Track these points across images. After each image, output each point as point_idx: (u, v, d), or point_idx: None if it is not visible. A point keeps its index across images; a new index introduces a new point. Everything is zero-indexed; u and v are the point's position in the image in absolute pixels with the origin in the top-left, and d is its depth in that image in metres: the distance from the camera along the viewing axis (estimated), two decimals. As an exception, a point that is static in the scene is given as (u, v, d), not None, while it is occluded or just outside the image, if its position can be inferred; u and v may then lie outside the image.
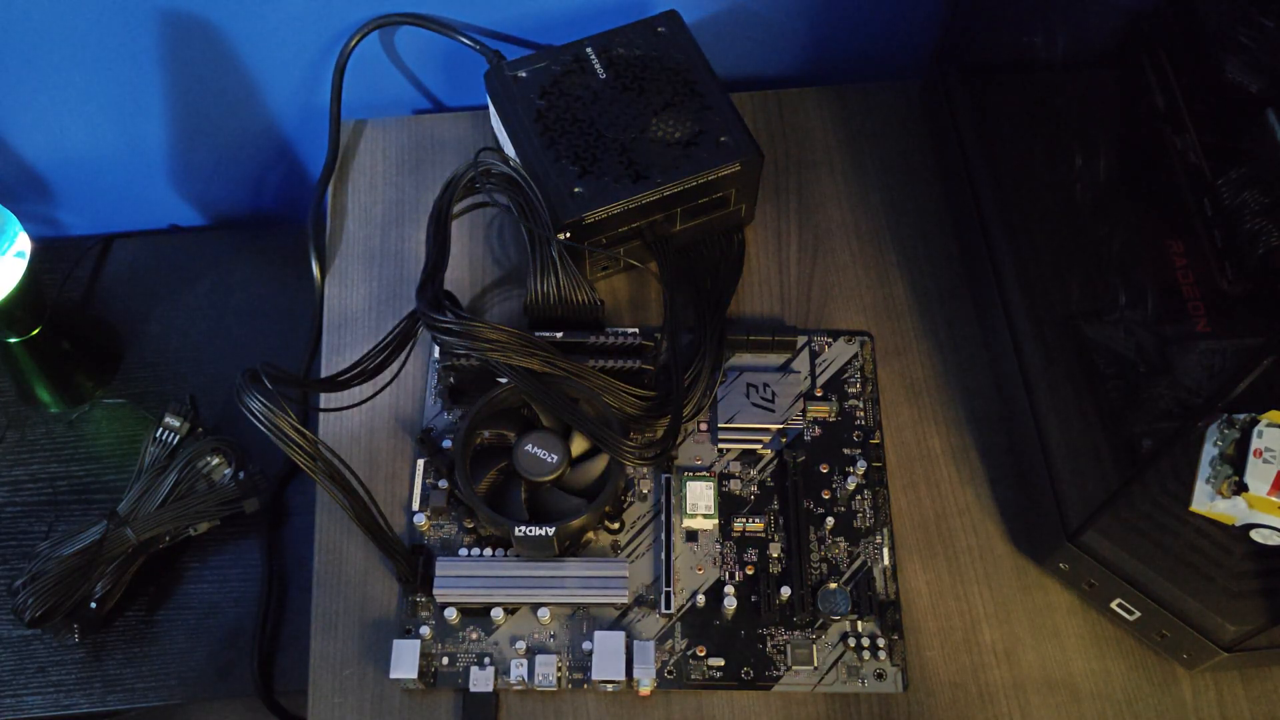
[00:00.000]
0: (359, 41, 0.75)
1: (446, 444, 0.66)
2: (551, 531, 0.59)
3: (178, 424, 0.72)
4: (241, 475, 0.71)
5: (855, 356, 0.69)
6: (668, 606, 0.61)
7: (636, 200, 0.65)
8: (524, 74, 0.69)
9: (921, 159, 0.77)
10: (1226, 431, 0.53)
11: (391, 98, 0.82)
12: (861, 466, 0.65)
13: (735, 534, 0.63)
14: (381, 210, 0.75)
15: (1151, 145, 0.54)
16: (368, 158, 0.78)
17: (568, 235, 0.64)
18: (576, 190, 0.65)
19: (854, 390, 0.68)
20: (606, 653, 0.59)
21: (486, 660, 0.60)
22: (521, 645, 0.60)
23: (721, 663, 0.60)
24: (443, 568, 0.60)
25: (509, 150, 0.69)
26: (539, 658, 0.59)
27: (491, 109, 0.72)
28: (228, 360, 0.80)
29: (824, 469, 0.65)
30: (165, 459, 0.71)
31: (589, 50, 0.70)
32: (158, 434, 0.72)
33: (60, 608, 0.66)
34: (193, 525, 0.71)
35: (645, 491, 0.65)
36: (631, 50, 0.70)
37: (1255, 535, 0.53)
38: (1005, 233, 0.66)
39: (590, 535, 0.63)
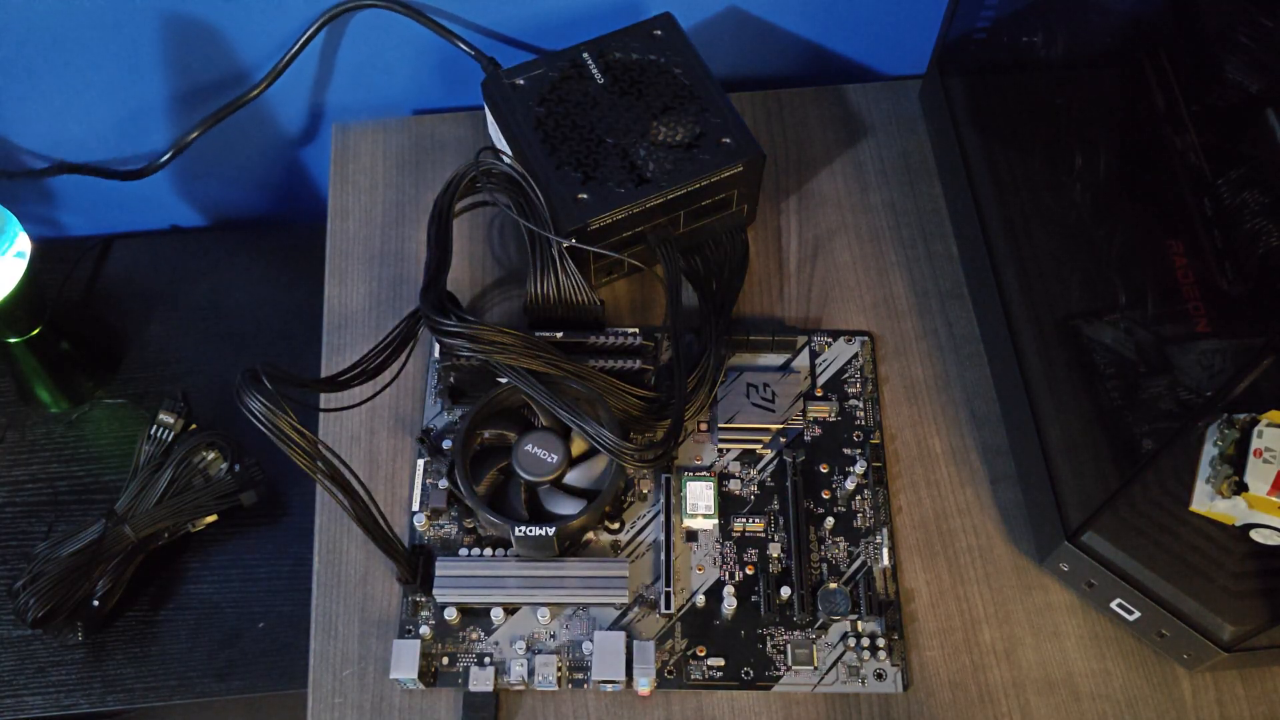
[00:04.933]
0: (328, 22, 0.74)
1: (446, 444, 0.66)
2: (551, 531, 0.59)
3: (171, 420, 0.72)
4: (237, 468, 0.71)
5: (855, 356, 0.69)
6: (668, 606, 0.61)
7: (641, 205, 0.65)
8: (521, 81, 0.69)
9: (921, 159, 0.77)
10: (1226, 431, 0.53)
11: (391, 99, 0.82)
12: (861, 466, 0.65)
13: (735, 534, 0.63)
14: (381, 210, 0.75)
15: (1151, 145, 0.54)
16: (368, 158, 0.78)
17: (573, 241, 0.64)
18: (581, 197, 0.65)
19: (854, 390, 0.68)
20: (606, 653, 0.59)
21: (486, 660, 0.60)
22: (521, 645, 0.60)
23: (721, 663, 0.60)
24: (443, 568, 0.60)
25: (506, 162, 0.69)
26: (539, 658, 0.59)
27: (489, 117, 0.71)
28: (228, 360, 0.80)
29: (824, 469, 0.65)
30: (160, 455, 0.71)
31: (585, 55, 0.70)
32: (152, 431, 0.72)
33: (62, 608, 0.66)
34: (191, 520, 0.71)
35: (645, 491, 0.65)
36: (628, 54, 0.70)
37: (1255, 535, 0.53)
38: (1005, 233, 0.66)
39: (590, 535, 0.63)
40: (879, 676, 0.60)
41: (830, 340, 0.70)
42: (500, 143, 0.71)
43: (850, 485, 0.65)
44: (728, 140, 0.67)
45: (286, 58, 0.76)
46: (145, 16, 0.72)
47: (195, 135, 0.79)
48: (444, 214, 0.64)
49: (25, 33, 0.72)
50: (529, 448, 0.62)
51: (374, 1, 0.74)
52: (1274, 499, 0.51)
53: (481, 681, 0.59)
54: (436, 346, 0.68)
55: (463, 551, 0.62)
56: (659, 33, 0.71)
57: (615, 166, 0.66)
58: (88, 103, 0.77)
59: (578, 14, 0.77)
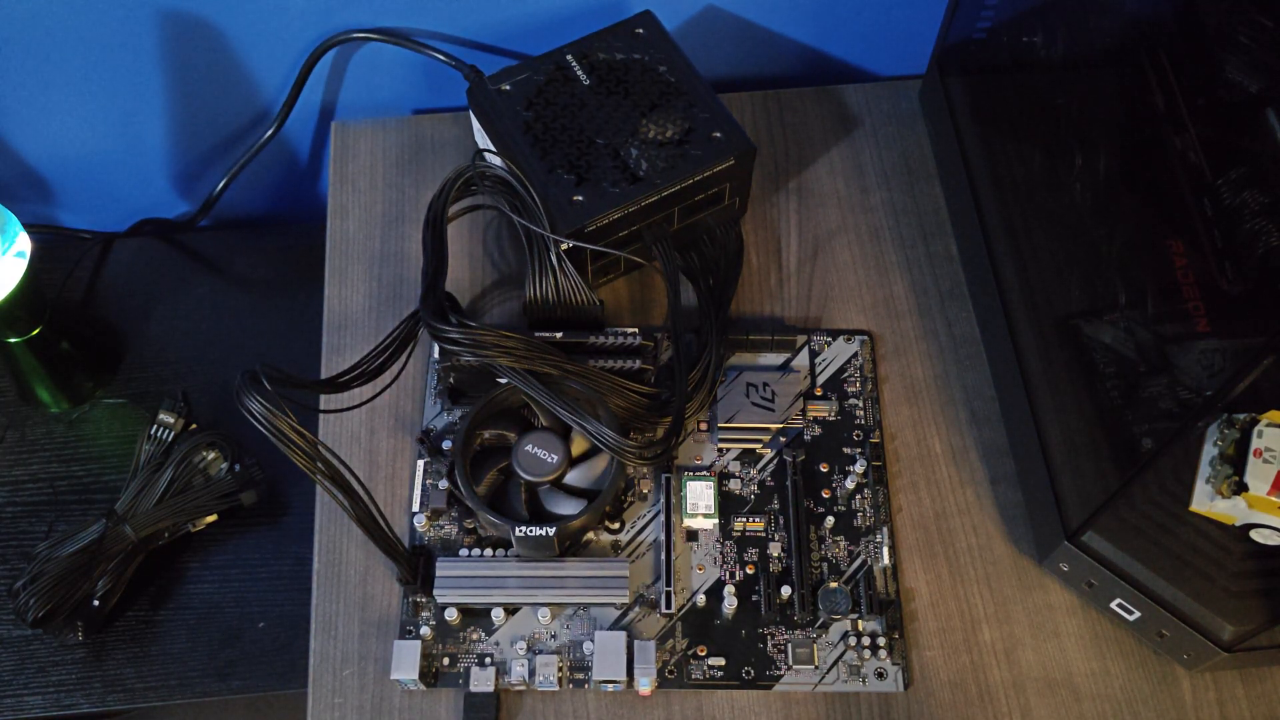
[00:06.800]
0: (320, 57, 0.76)
1: (446, 444, 0.66)
2: (552, 531, 0.59)
3: (172, 420, 0.72)
4: (237, 468, 0.71)
5: (855, 356, 0.69)
6: (668, 606, 0.61)
7: (636, 203, 0.65)
8: (507, 87, 0.69)
9: (921, 159, 0.77)
10: (1226, 431, 0.53)
11: (390, 98, 0.82)
12: (861, 466, 0.65)
13: (735, 533, 0.63)
14: (381, 210, 0.75)
15: (1151, 145, 0.54)
16: (367, 157, 0.78)
17: (570, 243, 0.64)
18: (576, 199, 0.65)
19: (854, 390, 0.68)
20: (607, 653, 0.59)
21: (487, 660, 0.60)
22: (522, 645, 0.60)
23: (722, 662, 0.60)
24: (443, 568, 0.60)
25: (500, 163, 0.69)
26: (539, 658, 0.59)
27: (476, 124, 0.71)
28: (228, 360, 0.80)
29: (824, 468, 0.65)
30: (161, 455, 0.71)
31: (569, 57, 0.70)
32: (152, 431, 0.72)
33: (62, 608, 0.66)
34: (191, 521, 0.71)
35: (645, 491, 0.65)
36: (612, 54, 0.70)
37: (1255, 535, 0.53)
38: (1005, 233, 0.66)
39: (590, 535, 0.63)
40: (880, 675, 0.60)
41: (830, 340, 0.70)
42: (491, 148, 0.71)
43: (850, 484, 0.65)
44: (718, 135, 0.67)
45: (288, 96, 0.78)
46: (146, 24, 0.73)
47: (222, 186, 0.83)
48: (438, 218, 0.64)
49: (27, 34, 0.72)
50: (529, 448, 0.62)
51: (356, 35, 0.76)
52: (1274, 499, 0.51)
53: (482, 682, 0.59)
54: (436, 347, 0.68)
55: (463, 552, 0.62)
56: (641, 31, 0.71)
57: (608, 167, 0.66)
58: (87, 102, 0.78)
59: (557, 17, 0.77)
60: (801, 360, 0.69)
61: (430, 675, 0.59)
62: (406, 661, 0.58)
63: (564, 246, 0.64)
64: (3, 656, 0.69)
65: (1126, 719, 0.59)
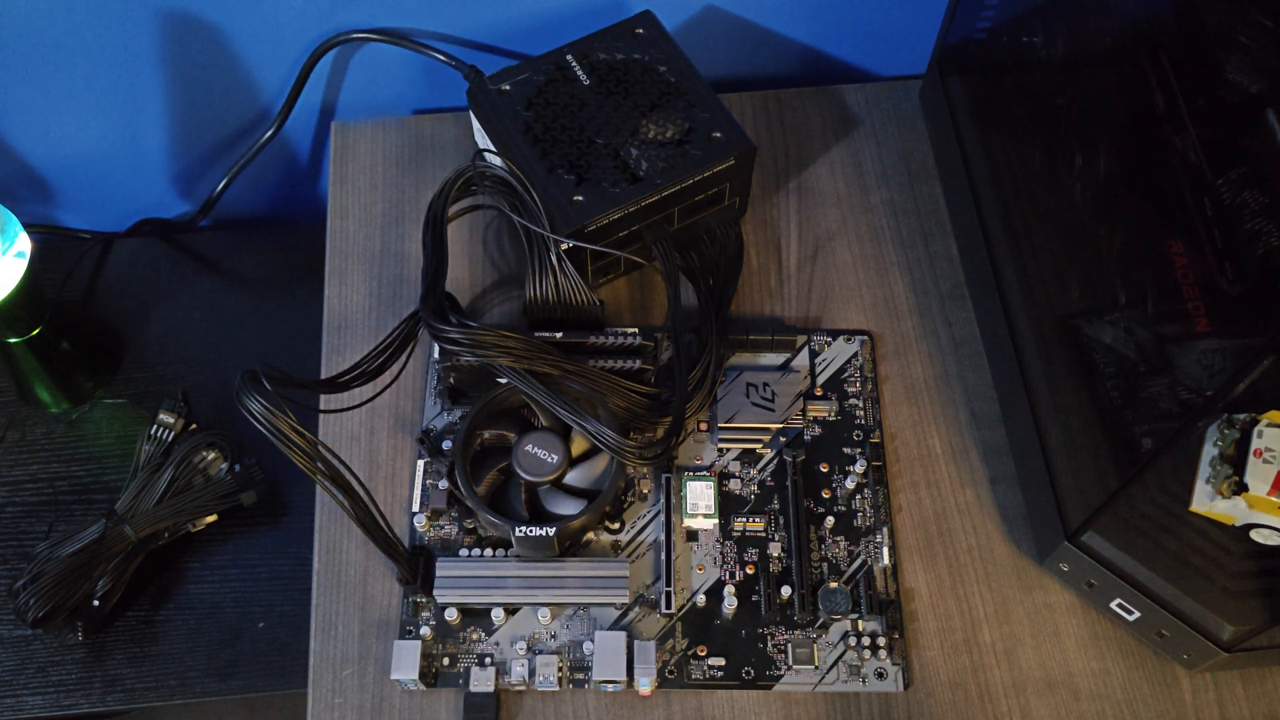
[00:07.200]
0: (320, 57, 0.77)
1: (446, 444, 0.66)
2: (552, 532, 0.59)
3: (172, 420, 0.72)
4: (237, 468, 0.71)
5: (855, 356, 0.69)
6: (668, 606, 0.61)
7: (636, 203, 0.65)
8: (507, 87, 0.69)
9: (921, 159, 0.77)
10: (1226, 431, 0.53)
11: (391, 98, 0.82)
12: (861, 466, 0.65)
13: (735, 533, 0.63)
14: (381, 210, 0.75)
15: (1151, 145, 0.54)
16: (367, 157, 0.78)
17: (571, 243, 0.64)
18: (576, 199, 0.65)
19: (854, 390, 0.68)
20: (607, 653, 0.59)
21: (487, 660, 0.60)
22: (522, 645, 0.60)
23: (722, 662, 0.60)
24: (443, 568, 0.60)
25: (500, 163, 0.69)
26: (539, 658, 0.59)
27: (475, 124, 0.71)
28: (228, 360, 0.80)
29: (824, 468, 0.65)
30: (161, 455, 0.71)
31: (569, 57, 0.70)
32: (152, 431, 0.72)
33: (62, 608, 0.66)
34: (191, 520, 0.71)
35: (645, 491, 0.65)
36: (612, 54, 0.70)
37: (1255, 535, 0.53)
38: (1005, 233, 0.66)
39: (590, 535, 0.63)
40: (880, 675, 0.60)
41: (830, 340, 0.70)
42: (491, 148, 0.71)
43: (850, 484, 0.65)
44: (718, 135, 0.67)
45: (288, 96, 0.78)
46: (146, 25, 0.73)
47: (222, 186, 0.83)
48: (438, 219, 0.64)
49: (27, 35, 0.72)
50: (529, 448, 0.62)
51: (356, 36, 0.76)
52: (1274, 499, 0.51)
53: (482, 682, 0.59)
54: (436, 347, 0.68)
55: (463, 552, 0.62)
56: (641, 31, 0.71)
57: (608, 167, 0.66)
58: (87, 102, 0.78)
59: (557, 17, 0.77)
60: (801, 360, 0.69)
61: (430, 675, 0.59)
62: (406, 661, 0.58)
63: (564, 246, 0.64)
64: (3, 656, 0.69)
65: (1126, 719, 0.59)
